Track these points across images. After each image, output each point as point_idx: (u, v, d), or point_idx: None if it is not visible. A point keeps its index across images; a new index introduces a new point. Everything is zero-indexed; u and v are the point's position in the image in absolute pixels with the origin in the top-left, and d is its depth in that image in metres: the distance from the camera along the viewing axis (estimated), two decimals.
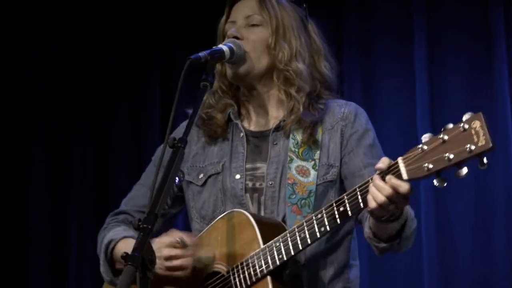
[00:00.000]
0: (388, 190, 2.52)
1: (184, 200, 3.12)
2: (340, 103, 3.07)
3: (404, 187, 2.50)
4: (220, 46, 2.93)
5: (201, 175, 3.05)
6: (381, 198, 2.54)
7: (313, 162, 2.96)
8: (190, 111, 3.06)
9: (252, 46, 3.02)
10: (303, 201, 2.90)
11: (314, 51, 3.09)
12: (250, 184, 2.98)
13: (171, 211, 3.17)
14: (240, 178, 2.98)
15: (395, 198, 2.53)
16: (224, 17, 3.18)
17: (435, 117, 5.08)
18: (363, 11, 5.33)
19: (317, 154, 2.96)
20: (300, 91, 3.00)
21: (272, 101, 3.07)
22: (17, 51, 5.53)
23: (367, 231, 2.79)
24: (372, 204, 2.57)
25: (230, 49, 2.93)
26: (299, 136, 2.98)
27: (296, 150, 2.97)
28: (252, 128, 3.08)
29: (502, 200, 4.91)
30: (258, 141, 3.05)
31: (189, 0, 5.63)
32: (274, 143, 3.01)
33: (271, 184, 2.95)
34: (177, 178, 2.55)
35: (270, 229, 2.83)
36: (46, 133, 5.54)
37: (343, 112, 3.03)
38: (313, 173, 2.94)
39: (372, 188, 2.57)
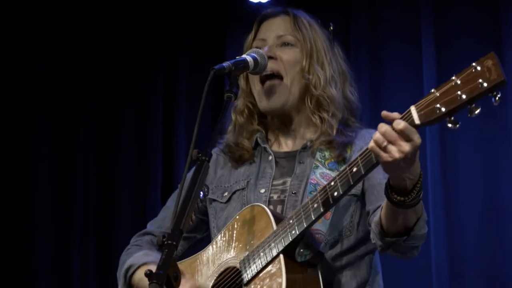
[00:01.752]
0: (385, 126, 2.43)
1: (206, 224, 3.08)
2: (371, 131, 2.98)
3: (401, 124, 2.40)
4: (244, 56, 2.86)
5: (226, 193, 3.01)
6: (377, 135, 2.43)
7: (338, 172, 2.89)
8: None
9: (285, 67, 2.98)
10: None
11: (341, 76, 3.06)
12: (275, 196, 2.92)
13: (196, 235, 3.13)
14: (265, 192, 2.93)
15: (394, 138, 2.41)
16: (252, 34, 3.11)
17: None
18: (371, 14, 5.27)
19: (343, 167, 2.89)
20: (334, 116, 2.97)
21: (302, 124, 3.03)
22: (24, 53, 5.50)
23: (376, 220, 2.68)
24: (370, 143, 2.47)
25: (254, 59, 2.86)
26: (327, 153, 2.94)
27: (323, 161, 2.92)
28: (279, 149, 3.04)
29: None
30: (285, 161, 3.00)
31: (192, 5, 5.60)
32: (301, 161, 2.96)
33: (294, 193, 2.90)
34: (201, 192, 2.47)
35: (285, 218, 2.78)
36: (52, 134, 5.50)
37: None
38: None
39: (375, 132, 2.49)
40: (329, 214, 2.80)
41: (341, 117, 2.99)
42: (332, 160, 2.92)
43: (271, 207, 2.89)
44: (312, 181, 2.87)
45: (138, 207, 5.41)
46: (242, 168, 3.03)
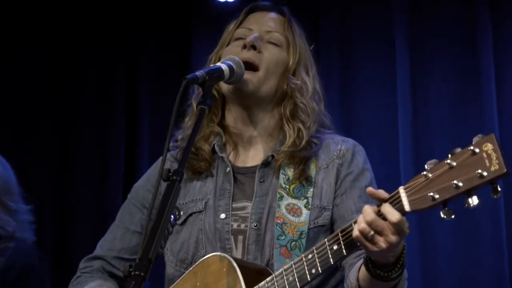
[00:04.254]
0: (371, 215, 2.24)
1: None
2: (336, 140, 2.80)
3: (395, 216, 2.22)
4: (219, 64, 2.60)
5: (181, 213, 2.74)
6: (362, 225, 2.25)
7: (305, 201, 2.68)
8: (178, 134, 2.81)
9: (266, 64, 2.73)
10: (293, 243, 2.62)
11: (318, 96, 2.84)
12: (235, 225, 2.69)
13: None
14: (226, 218, 2.69)
15: (382, 228, 2.24)
16: (236, 22, 2.85)
17: (417, 123, 4.90)
18: (342, 12, 5.10)
19: (310, 192, 2.69)
20: (308, 129, 2.74)
21: (264, 130, 2.79)
22: None
23: (352, 282, 2.50)
24: (354, 232, 2.29)
25: (230, 67, 2.61)
26: (290, 172, 2.71)
27: (287, 186, 2.69)
28: (238, 163, 2.78)
29: (486, 215, 4.72)
30: (243, 178, 2.75)
31: (156, 5, 5.38)
32: (261, 180, 2.72)
33: (256, 226, 2.66)
34: (172, 216, 2.22)
35: (254, 274, 2.55)
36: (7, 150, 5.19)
37: (340, 149, 2.76)
38: (305, 212, 2.67)
39: (359, 216, 2.29)
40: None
41: (313, 132, 2.78)
42: (297, 183, 2.69)
43: (232, 237, 2.66)
44: (278, 221, 2.63)
45: (96, 224, 5.14)
46: (198, 182, 2.77)
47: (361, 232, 2.26)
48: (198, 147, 2.77)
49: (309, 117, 2.74)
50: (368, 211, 2.26)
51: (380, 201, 2.27)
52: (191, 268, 2.63)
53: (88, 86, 5.40)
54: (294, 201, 2.67)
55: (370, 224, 2.25)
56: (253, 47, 2.72)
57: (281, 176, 2.70)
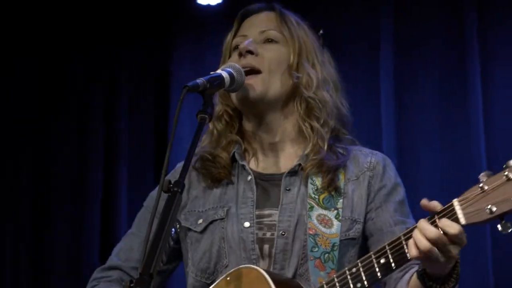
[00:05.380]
0: (434, 232, 2.20)
1: (181, 253, 2.72)
2: (365, 152, 2.73)
3: (454, 228, 2.18)
4: (219, 72, 2.53)
5: (200, 221, 2.65)
6: (425, 243, 2.21)
7: (335, 212, 2.60)
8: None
9: (267, 65, 2.66)
10: (326, 255, 2.54)
11: (332, 83, 2.75)
12: (260, 233, 2.59)
13: (168, 267, 2.77)
14: (250, 226, 2.59)
15: (443, 244, 2.21)
16: (232, 32, 2.79)
17: (401, 128, 4.86)
18: (328, 17, 5.03)
19: (340, 203, 2.61)
20: (325, 125, 2.66)
21: (285, 135, 2.70)
22: None
23: None
24: (413, 251, 2.24)
25: (230, 75, 2.53)
26: (318, 181, 2.63)
27: (317, 197, 2.60)
28: (261, 169, 2.70)
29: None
30: (267, 185, 2.67)
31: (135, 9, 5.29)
32: (287, 188, 2.63)
33: (283, 234, 2.57)
34: (173, 229, 2.15)
35: None
36: None
37: (370, 162, 2.69)
38: (336, 223, 2.59)
39: (415, 232, 2.24)
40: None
41: (333, 127, 2.69)
42: (326, 193, 2.61)
43: (257, 246, 2.57)
44: (311, 232, 2.55)
45: (73, 249, 4.89)
46: (218, 189, 2.68)
47: (424, 251, 2.21)
48: (215, 155, 2.70)
49: (321, 110, 2.66)
50: (427, 227, 2.22)
51: (433, 214, 2.23)
52: (218, 281, 2.53)
53: (69, 92, 5.31)
54: (325, 212, 2.59)
55: (435, 242, 2.21)
56: (250, 52, 2.66)
57: (310, 185, 2.62)
